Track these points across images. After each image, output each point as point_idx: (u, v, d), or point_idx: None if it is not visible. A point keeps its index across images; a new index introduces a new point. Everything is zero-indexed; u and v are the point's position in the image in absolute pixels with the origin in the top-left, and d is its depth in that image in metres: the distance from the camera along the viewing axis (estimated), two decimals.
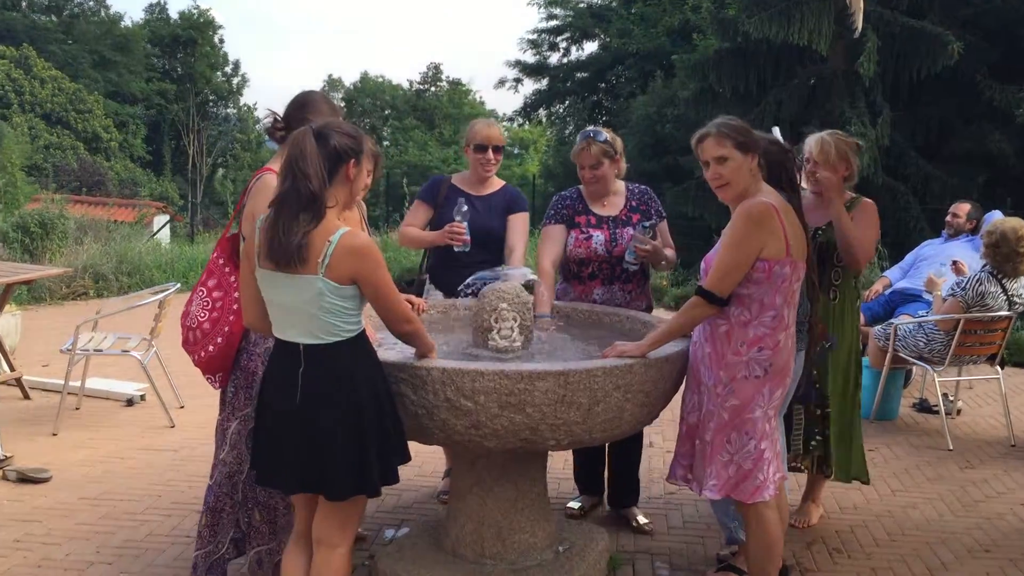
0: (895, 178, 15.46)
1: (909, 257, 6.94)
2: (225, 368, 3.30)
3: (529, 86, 31.90)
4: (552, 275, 4.03)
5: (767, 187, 3.11)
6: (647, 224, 3.96)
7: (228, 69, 53.39)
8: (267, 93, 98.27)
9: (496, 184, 4.45)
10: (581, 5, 30.61)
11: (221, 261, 3.30)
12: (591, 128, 4.12)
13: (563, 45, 30.88)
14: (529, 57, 31.29)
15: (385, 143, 50.86)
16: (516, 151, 50.72)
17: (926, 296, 6.23)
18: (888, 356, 5.81)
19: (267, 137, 3.35)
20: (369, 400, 2.72)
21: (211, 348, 3.24)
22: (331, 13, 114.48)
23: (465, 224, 4.10)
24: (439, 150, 44.48)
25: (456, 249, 4.12)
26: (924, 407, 6.34)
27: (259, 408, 2.85)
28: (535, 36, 31.01)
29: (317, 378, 2.69)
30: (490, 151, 4.30)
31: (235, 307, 3.19)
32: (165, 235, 17.95)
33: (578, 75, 30.09)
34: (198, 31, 49.80)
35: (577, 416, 2.93)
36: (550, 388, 2.86)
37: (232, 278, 3.26)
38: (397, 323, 2.82)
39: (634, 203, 4.19)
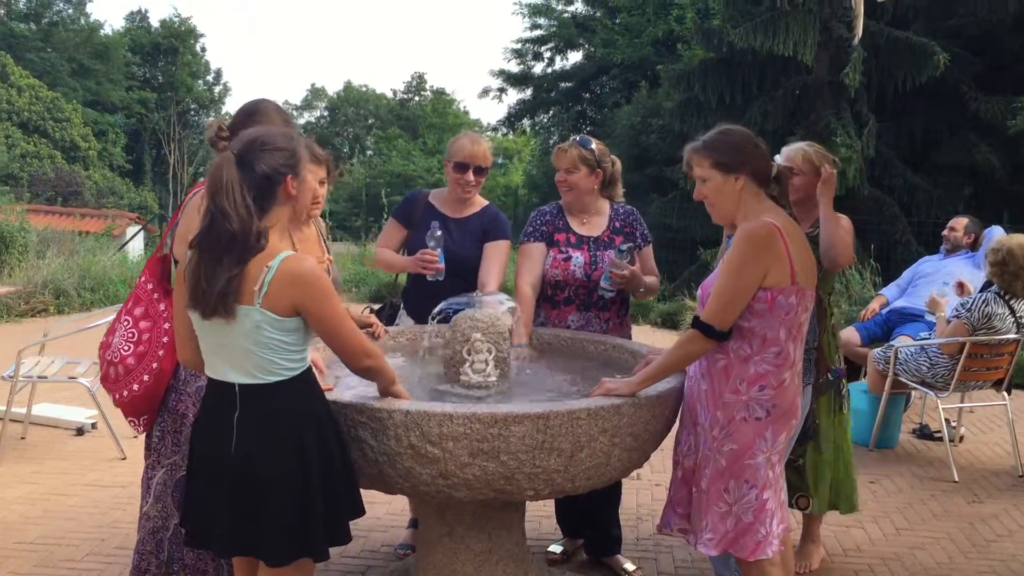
0: (881, 189, 15.38)
1: (906, 274, 6.64)
2: (151, 410, 2.94)
3: (513, 96, 31.60)
4: (531, 299, 3.69)
5: (770, 205, 2.79)
6: (624, 248, 3.63)
7: (210, 78, 53.22)
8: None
9: (477, 204, 4.02)
10: (565, 15, 30.41)
11: (150, 286, 2.94)
12: (582, 135, 3.81)
13: (547, 55, 30.68)
14: (513, 67, 31.07)
15: (368, 152, 50.62)
16: (500, 161, 50.47)
17: (927, 316, 5.93)
18: (888, 381, 5.49)
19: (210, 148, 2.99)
20: (315, 449, 2.37)
21: (135, 387, 2.89)
22: (315, 22, 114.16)
23: (439, 251, 3.71)
24: (423, 159, 44.15)
25: (429, 278, 3.73)
26: (925, 433, 6.04)
27: (190, 457, 2.50)
28: (519, 46, 30.81)
29: (254, 423, 2.35)
30: (471, 172, 3.85)
31: (165, 340, 2.85)
32: (137, 247, 17.48)
33: (562, 85, 29.87)
34: (179, 39, 49.59)
35: (558, 464, 2.59)
36: (527, 433, 2.52)
37: (162, 306, 2.91)
38: (354, 358, 2.47)
39: (618, 224, 3.86)
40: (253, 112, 3.03)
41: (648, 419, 2.76)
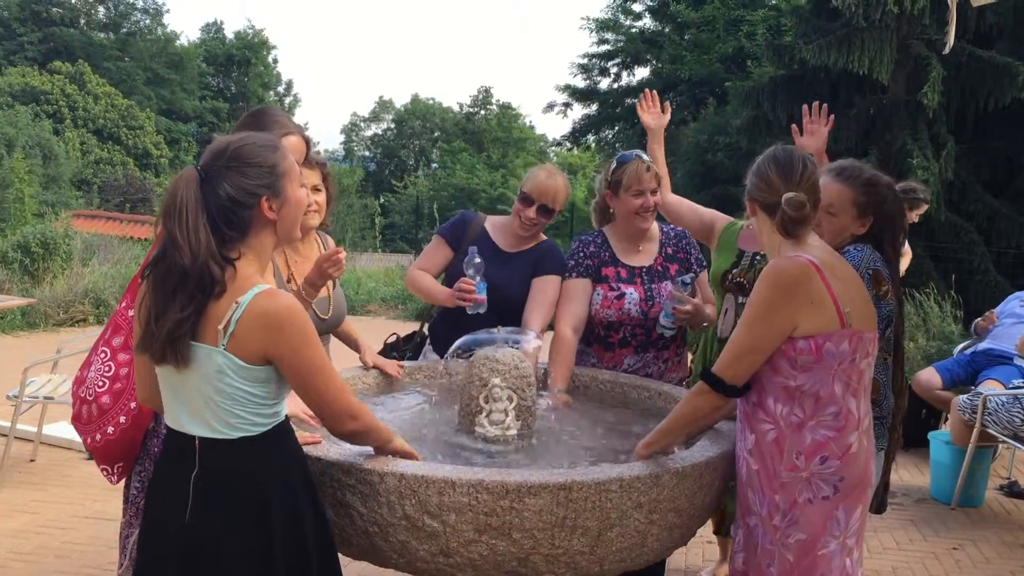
0: (959, 215, 14.61)
1: (997, 310, 6.02)
2: (127, 457, 2.58)
3: (578, 111, 31.17)
4: (573, 345, 3.22)
5: (812, 240, 2.33)
6: (687, 279, 3.17)
7: (281, 88, 53.99)
8: (319, 113, 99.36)
9: (530, 241, 3.52)
10: (633, 30, 29.92)
11: (131, 312, 2.58)
12: (635, 151, 3.34)
13: (614, 70, 30.18)
14: (579, 82, 30.66)
15: (434, 165, 50.62)
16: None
17: (1017, 360, 5.33)
18: (975, 432, 4.92)
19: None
20: (284, 523, 1.98)
21: (110, 430, 2.53)
22: (384, 35, 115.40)
23: (478, 279, 3.24)
24: (487, 173, 43.97)
25: (469, 311, 3.26)
26: (1014, 491, 5.42)
27: (143, 520, 2.12)
28: (586, 60, 30.38)
29: (215, 487, 1.96)
30: (534, 209, 3.37)
31: None
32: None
33: (628, 101, 29.32)
34: (252, 51, 50.46)
35: (583, 544, 2.16)
36: (546, 507, 2.09)
37: None
38: (336, 420, 2.06)
39: (670, 250, 3.41)
40: (255, 116, 2.70)
41: (694, 491, 2.30)
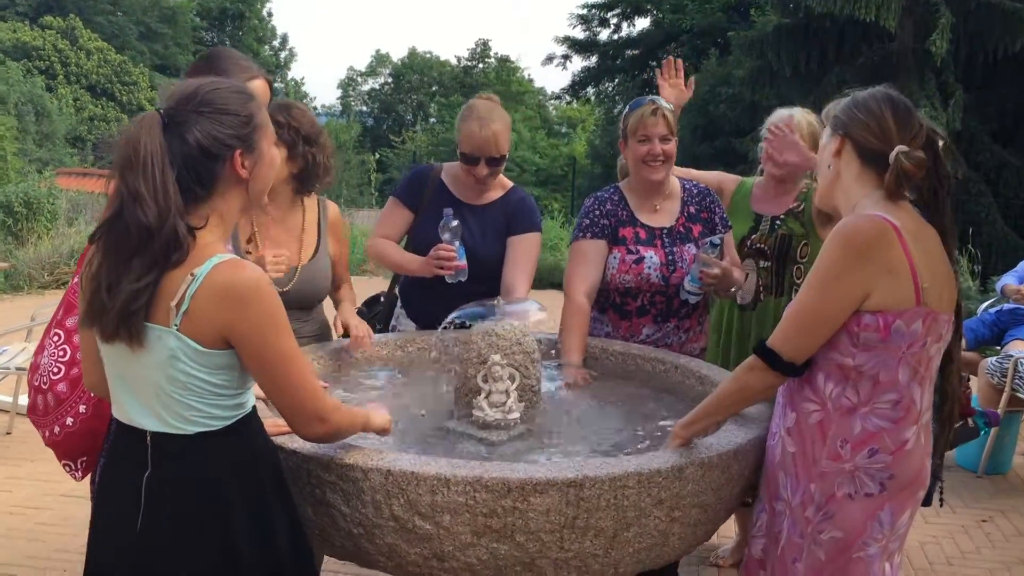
0: (967, 165, 14.31)
1: (1023, 265, 5.71)
2: (91, 450, 2.31)
3: (578, 63, 30.52)
4: (586, 311, 2.92)
5: (886, 198, 1.99)
6: (717, 240, 2.87)
7: (276, 43, 53.17)
8: (315, 67, 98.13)
9: (496, 190, 3.22)
10: None
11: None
12: (649, 96, 3.01)
13: (614, 21, 29.51)
14: (579, 33, 30.03)
15: (432, 119, 50.00)
16: (564, 130, 49.46)
17: None
18: (1005, 396, 4.65)
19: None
20: (253, 531, 1.71)
21: (69, 422, 2.26)
22: None
23: (456, 243, 2.94)
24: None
25: (448, 279, 2.97)
26: None
27: (90, 530, 1.85)
28: (585, 11, 29.70)
29: (170, 490, 1.69)
30: (482, 165, 3.05)
31: None
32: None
33: (628, 52, 28.76)
34: (246, 4, 49.60)
35: (596, 547, 1.89)
36: (554, 507, 1.83)
37: None
38: (303, 423, 1.76)
39: (692, 209, 3.09)
40: (210, 59, 2.38)
41: (721, 483, 2.03)
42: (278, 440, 1.94)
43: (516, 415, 2.28)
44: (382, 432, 1.99)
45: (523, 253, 3.10)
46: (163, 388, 1.67)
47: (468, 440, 2.22)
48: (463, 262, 2.94)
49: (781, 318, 2.01)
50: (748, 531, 2.24)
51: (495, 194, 3.21)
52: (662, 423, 2.38)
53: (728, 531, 3.84)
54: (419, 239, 3.11)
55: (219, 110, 1.69)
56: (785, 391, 2.10)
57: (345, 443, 1.93)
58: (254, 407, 1.81)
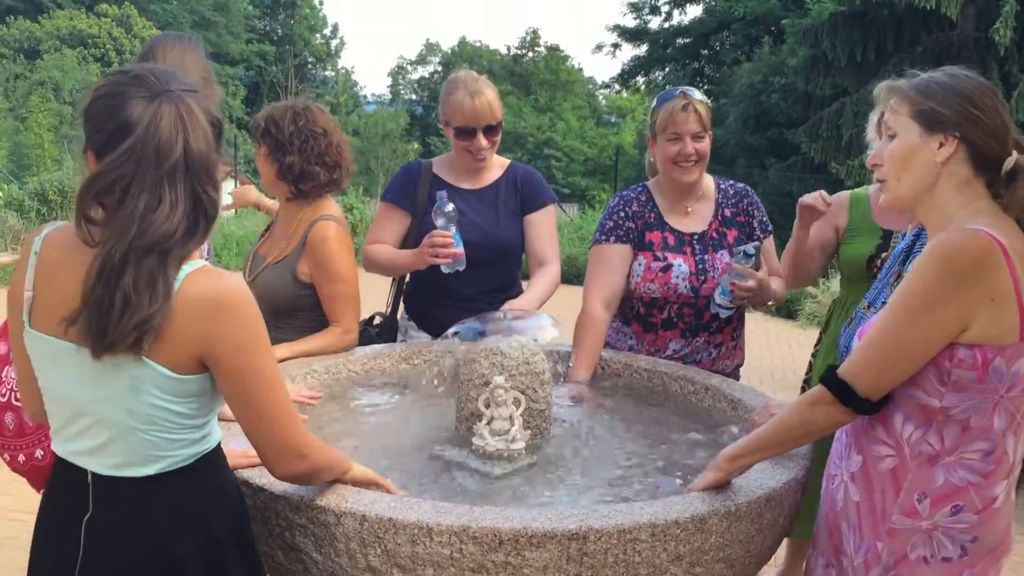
0: None
1: None
2: None
3: (628, 51, 30.51)
4: (603, 324, 2.66)
5: (988, 206, 1.68)
6: (751, 249, 2.58)
7: (327, 31, 53.54)
8: (365, 56, 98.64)
9: (495, 170, 3.01)
10: None
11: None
12: (682, 88, 2.72)
13: (665, 9, 29.14)
14: (629, 21, 29.71)
15: None
16: (612, 119, 49.02)
17: None
18: None
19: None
20: None
21: (39, 454, 2.07)
22: None
23: (452, 229, 2.71)
24: (534, 116, 43.14)
25: (445, 270, 2.75)
26: None
27: (28, 571, 1.64)
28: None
29: (113, 537, 1.47)
30: (480, 136, 2.86)
31: None
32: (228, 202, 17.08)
33: (679, 41, 28.34)
34: None
35: None
36: (553, 562, 1.58)
37: None
38: (279, 459, 1.54)
39: (728, 212, 2.81)
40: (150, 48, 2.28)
41: (751, 535, 1.76)
42: (244, 475, 1.73)
43: (521, 445, 2.03)
44: (363, 485, 1.74)
45: (546, 228, 2.95)
46: (117, 422, 1.45)
47: (465, 472, 1.98)
48: (460, 249, 2.70)
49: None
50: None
51: (495, 173, 3.00)
52: (688, 457, 2.12)
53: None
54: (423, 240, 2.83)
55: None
56: (852, 427, 1.81)
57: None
58: (219, 443, 1.58)
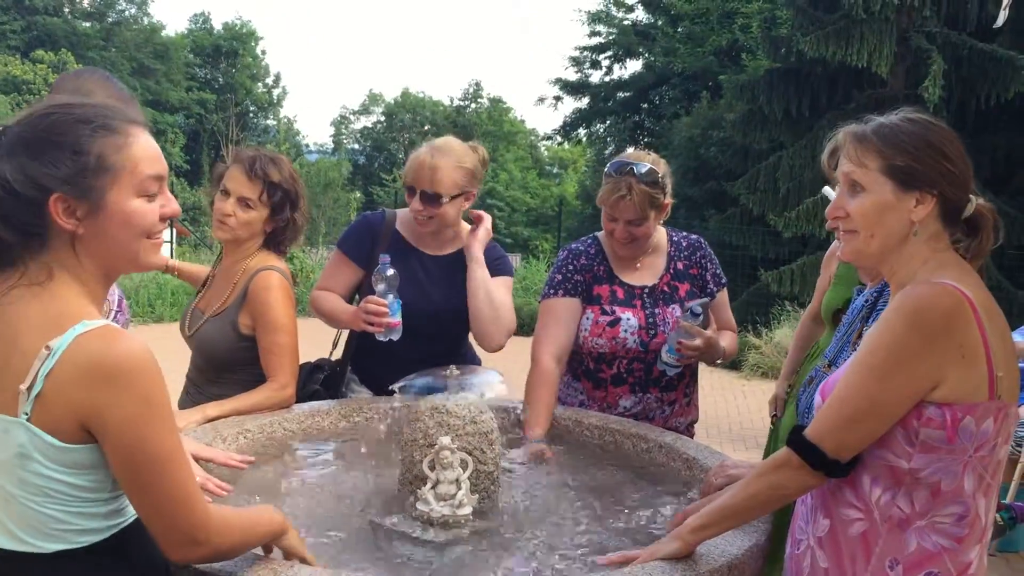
0: None
1: None
2: None
3: (569, 104, 30.66)
4: (554, 378, 2.58)
5: (954, 258, 1.64)
6: (698, 307, 2.52)
7: (269, 80, 53.55)
8: (309, 105, 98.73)
9: (459, 240, 2.87)
10: (625, 22, 29.37)
11: None
12: (627, 158, 2.61)
13: (606, 63, 29.62)
14: (571, 75, 30.14)
15: None
16: (555, 170, 49.53)
17: None
18: (1019, 469, 4.31)
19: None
20: None
21: None
22: (373, 29, 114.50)
23: (391, 297, 2.60)
24: None
25: (380, 338, 2.64)
26: None
27: None
28: (577, 53, 29.80)
29: None
30: (417, 198, 2.71)
31: None
32: (167, 251, 16.78)
33: (620, 94, 28.79)
34: (240, 42, 50.03)
35: None
36: None
37: None
38: (172, 544, 1.37)
39: (680, 265, 2.76)
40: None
41: None
42: None
43: (468, 510, 1.92)
44: (295, 557, 1.61)
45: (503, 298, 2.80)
46: (12, 494, 1.31)
47: (407, 541, 1.85)
48: (396, 319, 2.59)
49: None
50: None
51: (459, 243, 2.86)
52: (645, 522, 2.01)
53: None
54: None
55: (43, 140, 1.34)
56: (816, 490, 1.72)
57: (250, 555, 1.56)
58: (132, 523, 1.44)
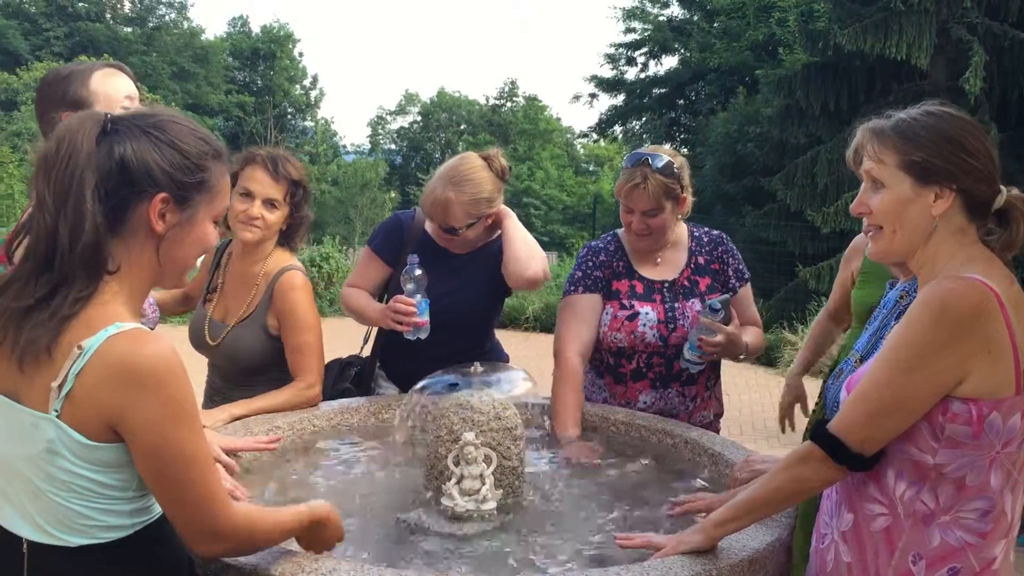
0: None
1: None
2: None
3: (605, 101, 30.46)
4: (580, 374, 2.59)
5: (982, 252, 1.62)
6: (718, 303, 2.51)
7: (307, 82, 53.93)
8: (345, 106, 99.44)
9: (486, 234, 2.87)
10: (661, 18, 29.18)
11: None
12: (646, 150, 2.63)
13: (641, 60, 29.45)
14: (606, 72, 29.98)
15: None
16: (591, 168, 49.45)
17: None
18: None
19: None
20: None
21: None
22: (409, 28, 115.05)
23: (419, 297, 2.62)
24: (513, 165, 43.42)
25: (407, 336, 2.65)
26: None
27: None
28: (613, 50, 29.67)
29: None
30: (438, 226, 2.76)
31: None
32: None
33: (655, 91, 28.63)
34: (278, 44, 50.48)
35: None
36: None
37: None
38: (195, 539, 1.42)
39: (701, 260, 2.75)
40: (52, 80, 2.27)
41: None
42: None
43: (492, 505, 1.94)
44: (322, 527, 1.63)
45: None
46: (40, 488, 1.35)
47: (431, 538, 1.87)
48: (424, 318, 2.61)
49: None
50: None
51: (483, 239, 2.87)
52: (669, 516, 2.02)
53: None
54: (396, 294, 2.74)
55: (168, 141, 1.41)
56: (842, 484, 1.72)
57: (273, 549, 1.59)
58: (159, 518, 1.48)
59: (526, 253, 2.70)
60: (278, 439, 2.25)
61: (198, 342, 2.68)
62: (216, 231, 1.51)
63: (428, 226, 2.88)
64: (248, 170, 2.58)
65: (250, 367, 2.60)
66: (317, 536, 1.60)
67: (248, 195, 2.55)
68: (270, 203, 2.56)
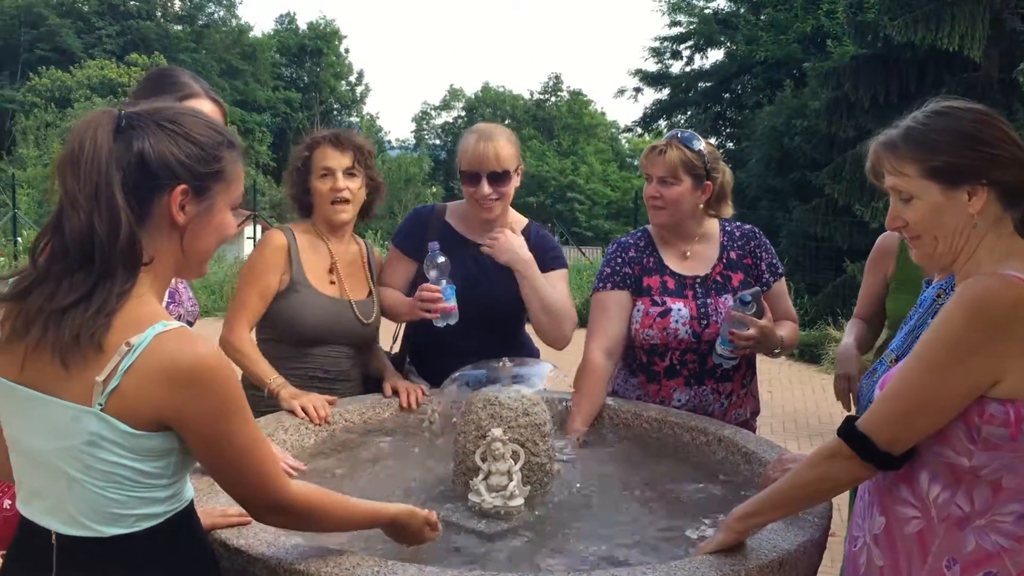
0: None
1: None
2: None
3: (649, 96, 30.35)
4: (604, 373, 2.56)
5: (1021, 246, 1.58)
6: (749, 296, 2.46)
7: (353, 78, 54.47)
8: (390, 102, 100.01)
9: (513, 223, 2.88)
10: (707, 11, 28.91)
11: None
12: (682, 131, 2.64)
13: (686, 53, 29.23)
14: (651, 66, 29.78)
15: None
16: (635, 163, 49.24)
17: None
18: None
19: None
20: None
21: (7, 504, 1.97)
22: (454, 24, 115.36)
23: (444, 282, 2.62)
24: (557, 160, 43.39)
25: (437, 323, 2.65)
26: None
27: None
28: (658, 44, 29.49)
29: None
30: (484, 183, 2.70)
31: None
32: (248, 246, 17.11)
33: (701, 85, 28.38)
34: (324, 41, 50.96)
35: None
36: None
37: None
38: (257, 514, 1.51)
39: (734, 255, 2.71)
40: (155, 78, 2.20)
41: None
42: (220, 536, 1.63)
43: (519, 501, 1.93)
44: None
45: (559, 288, 2.80)
46: (76, 478, 1.37)
47: (459, 532, 1.87)
48: (451, 304, 2.60)
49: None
50: None
51: (506, 228, 2.84)
52: (698, 514, 1.99)
53: None
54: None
55: (183, 134, 1.42)
56: (874, 486, 1.69)
57: (296, 545, 1.60)
58: (191, 501, 1.49)
59: (548, 323, 2.73)
60: (302, 468, 2.21)
61: (342, 326, 2.70)
62: (235, 221, 1.51)
63: (450, 217, 2.89)
64: (318, 152, 2.70)
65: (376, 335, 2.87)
66: (400, 534, 1.70)
67: (328, 172, 2.67)
68: (348, 173, 2.68)
